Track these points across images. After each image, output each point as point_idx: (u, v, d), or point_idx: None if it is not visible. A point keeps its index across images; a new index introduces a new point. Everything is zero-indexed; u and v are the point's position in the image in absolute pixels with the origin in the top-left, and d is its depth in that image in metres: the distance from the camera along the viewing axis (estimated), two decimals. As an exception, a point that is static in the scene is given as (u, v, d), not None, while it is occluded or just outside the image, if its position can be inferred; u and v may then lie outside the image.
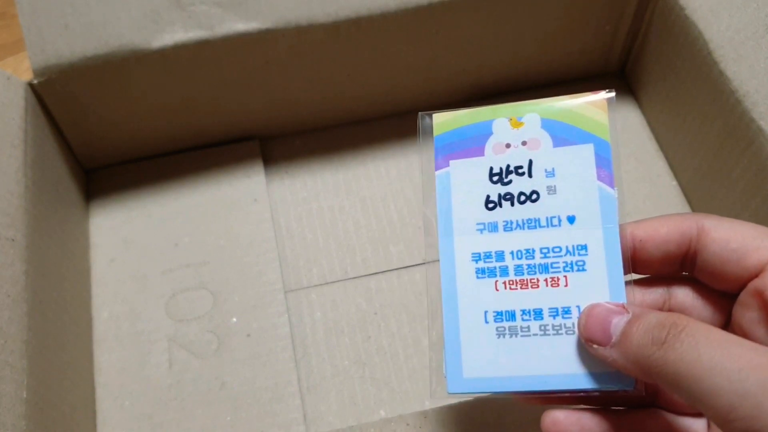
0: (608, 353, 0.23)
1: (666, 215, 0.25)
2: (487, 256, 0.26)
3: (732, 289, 0.24)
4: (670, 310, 0.26)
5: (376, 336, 0.41)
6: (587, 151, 0.26)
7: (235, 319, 0.41)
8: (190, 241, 0.44)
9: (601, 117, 0.26)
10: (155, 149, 0.47)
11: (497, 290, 0.26)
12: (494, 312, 0.26)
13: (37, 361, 0.33)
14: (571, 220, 0.26)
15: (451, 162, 0.27)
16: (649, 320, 0.22)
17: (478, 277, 0.26)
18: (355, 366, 0.40)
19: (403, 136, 0.48)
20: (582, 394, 0.25)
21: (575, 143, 0.26)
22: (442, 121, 0.28)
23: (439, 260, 0.27)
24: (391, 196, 0.46)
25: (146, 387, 0.39)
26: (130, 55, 0.39)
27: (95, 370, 0.40)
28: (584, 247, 0.25)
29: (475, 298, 0.26)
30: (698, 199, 0.44)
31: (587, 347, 0.24)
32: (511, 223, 0.26)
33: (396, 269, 0.43)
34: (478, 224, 0.27)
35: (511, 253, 0.26)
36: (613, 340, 0.22)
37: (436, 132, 0.28)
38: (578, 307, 0.25)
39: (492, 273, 0.26)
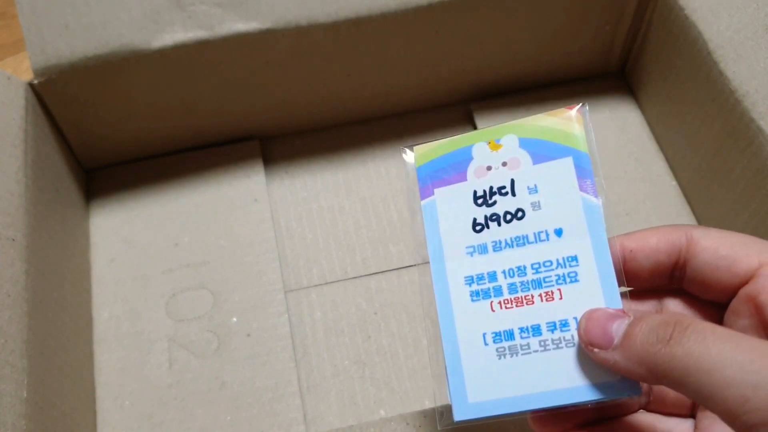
0: (610, 356, 0.22)
1: (655, 227, 0.26)
2: (480, 278, 0.26)
3: (722, 298, 0.24)
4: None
5: (376, 336, 0.41)
6: (567, 164, 0.26)
7: (235, 319, 0.41)
8: (190, 241, 0.44)
9: (576, 129, 0.27)
10: (155, 149, 0.47)
11: (493, 311, 0.26)
12: (493, 333, 0.26)
13: (38, 360, 0.33)
14: (559, 232, 0.26)
15: (435, 190, 0.28)
16: (652, 320, 0.22)
17: (473, 300, 0.26)
18: (355, 366, 0.40)
19: (403, 136, 0.48)
20: (590, 406, 0.24)
21: (554, 158, 0.27)
22: (423, 152, 0.29)
23: (433, 291, 0.27)
24: (391, 196, 0.46)
25: (146, 387, 0.39)
26: (131, 56, 0.39)
27: (95, 369, 0.40)
28: (574, 258, 0.25)
29: (472, 321, 0.26)
30: (698, 199, 0.44)
31: (588, 351, 0.23)
32: (500, 242, 0.26)
33: (396, 269, 0.43)
34: (467, 248, 0.27)
35: (503, 272, 0.26)
36: (615, 342, 0.22)
37: (418, 163, 0.29)
38: (575, 318, 0.25)
39: (486, 294, 0.26)
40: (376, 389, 0.39)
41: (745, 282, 0.23)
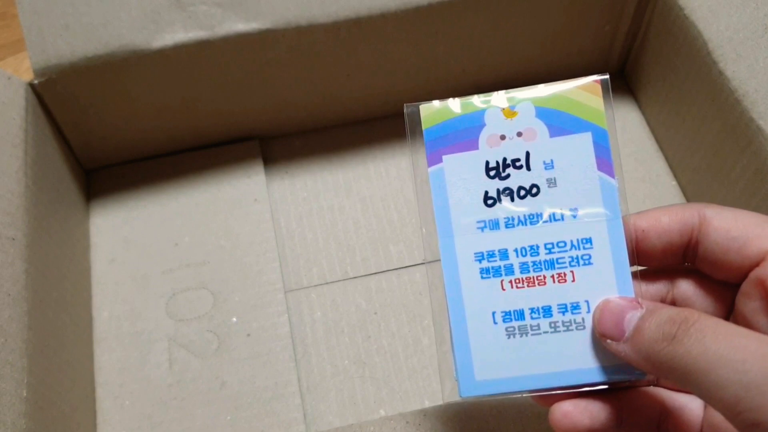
0: (621, 348, 0.23)
1: (667, 206, 0.25)
2: (491, 255, 0.25)
3: (733, 278, 0.24)
4: (672, 301, 0.26)
5: (375, 336, 0.41)
6: (585, 140, 0.25)
7: (235, 319, 0.41)
8: (191, 241, 0.44)
9: (596, 103, 0.25)
10: (155, 149, 0.47)
11: (504, 290, 0.25)
12: (502, 312, 0.25)
13: (38, 359, 0.33)
14: (574, 213, 0.25)
15: (444, 157, 0.26)
16: (661, 316, 0.22)
17: (482, 278, 0.25)
18: (355, 365, 0.40)
19: (403, 136, 0.48)
20: (596, 387, 0.25)
21: (572, 132, 0.25)
22: (431, 113, 0.27)
23: (440, 261, 0.26)
24: (391, 196, 0.46)
25: (146, 386, 0.39)
26: (131, 56, 0.39)
27: (95, 369, 0.40)
28: (589, 241, 0.25)
29: (481, 299, 0.25)
30: (698, 199, 0.44)
31: (601, 341, 0.24)
32: (513, 219, 0.25)
33: (396, 269, 0.43)
34: (478, 222, 0.26)
35: (515, 250, 0.25)
36: (626, 336, 0.22)
37: (424, 125, 0.27)
38: (587, 301, 0.24)
39: (497, 272, 0.25)
40: (376, 389, 0.39)
41: (756, 264, 0.23)
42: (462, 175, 0.26)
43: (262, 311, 0.41)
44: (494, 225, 0.26)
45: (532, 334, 0.25)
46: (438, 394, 0.39)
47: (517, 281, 0.25)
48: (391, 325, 0.41)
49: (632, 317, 0.23)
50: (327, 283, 0.43)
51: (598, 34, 0.46)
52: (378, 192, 0.46)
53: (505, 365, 0.25)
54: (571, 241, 0.25)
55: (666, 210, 0.25)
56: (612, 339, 0.23)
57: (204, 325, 0.41)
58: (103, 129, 0.44)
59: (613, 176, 0.25)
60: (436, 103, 0.27)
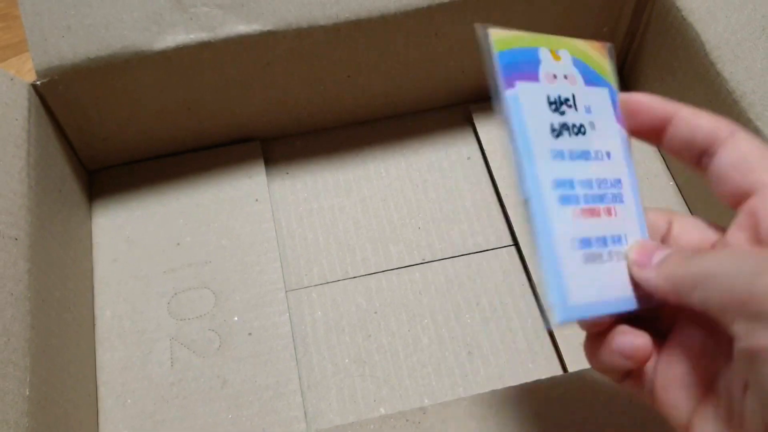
0: (644, 274, 0.25)
1: (711, 114, 0.26)
2: (563, 183, 0.26)
3: (731, 200, 0.25)
4: (668, 234, 0.27)
5: (376, 335, 0.41)
6: (606, 93, 0.27)
7: (236, 318, 0.41)
8: (192, 240, 0.44)
9: (609, 65, 0.27)
10: (157, 150, 0.47)
11: (575, 218, 0.26)
12: (578, 239, 0.26)
13: (40, 359, 0.33)
14: (609, 155, 0.27)
15: (517, 83, 0.26)
16: (686, 251, 0.24)
17: (561, 204, 0.25)
18: (356, 364, 0.40)
19: (403, 136, 0.48)
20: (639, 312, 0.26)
21: (597, 85, 0.27)
22: (500, 37, 0.26)
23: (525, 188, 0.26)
24: (391, 196, 0.46)
25: (148, 385, 0.39)
26: (133, 57, 0.39)
27: (97, 368, 0.40)
28: (619, 182, 0.26)
29: (563, 225, 0.25)
30: (695, 200, 0.44)
31: (631, 269, 0.26)
32: (573, 153, 0.26)
33: (396, 269, 0.44)
34: (551, 151, 0.26)
35: (578, 182, 0.26)
36: (653, 263, 0.25)
37: (497, 48, 0.26)
38: (625, 235, 0.26)
39: (568, 200, 0.26)
40: (376, 387, 0.40)
41: (753, 192, 0.24)
42: (533, 103, 0.26)
43: (263, 310, 0.41)
44: (561, 155, 0.26)
45: (599, 262, 0.26)
46: (438, 392, 0.39)
47: (583, 211, 0.26)
48: (391, 324, 0.42)
49: (662, 253, 0.25)
50: (327, 283, 0.43)
51: (597, 35, 0.47)
52: (378, 192, 0.46)
53: (588, 290, 0.25)
54: (610, 180, 0.26)
55: (708, 116, 0.26)
56: (639, 266, 0.25)
57: (205, 324, 0.41)
58: (105, 130, 0.44)
59: (626, 129, 0.27)
60: (505, 30, 0.27)
